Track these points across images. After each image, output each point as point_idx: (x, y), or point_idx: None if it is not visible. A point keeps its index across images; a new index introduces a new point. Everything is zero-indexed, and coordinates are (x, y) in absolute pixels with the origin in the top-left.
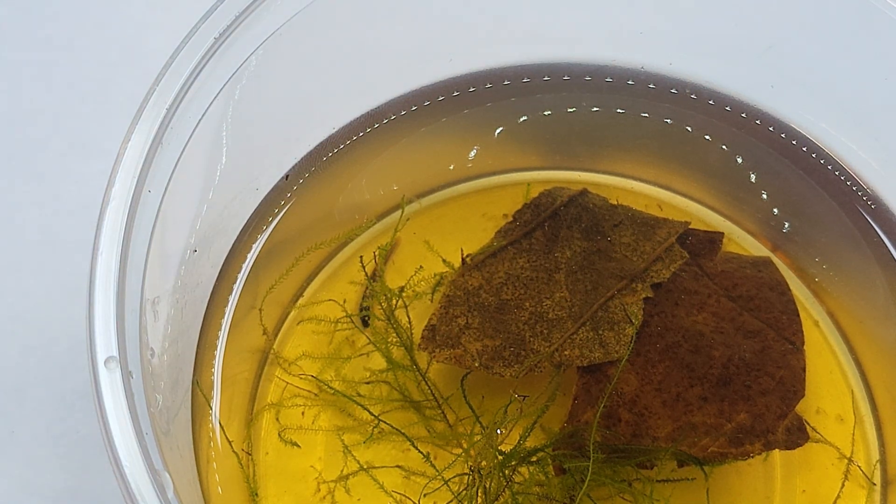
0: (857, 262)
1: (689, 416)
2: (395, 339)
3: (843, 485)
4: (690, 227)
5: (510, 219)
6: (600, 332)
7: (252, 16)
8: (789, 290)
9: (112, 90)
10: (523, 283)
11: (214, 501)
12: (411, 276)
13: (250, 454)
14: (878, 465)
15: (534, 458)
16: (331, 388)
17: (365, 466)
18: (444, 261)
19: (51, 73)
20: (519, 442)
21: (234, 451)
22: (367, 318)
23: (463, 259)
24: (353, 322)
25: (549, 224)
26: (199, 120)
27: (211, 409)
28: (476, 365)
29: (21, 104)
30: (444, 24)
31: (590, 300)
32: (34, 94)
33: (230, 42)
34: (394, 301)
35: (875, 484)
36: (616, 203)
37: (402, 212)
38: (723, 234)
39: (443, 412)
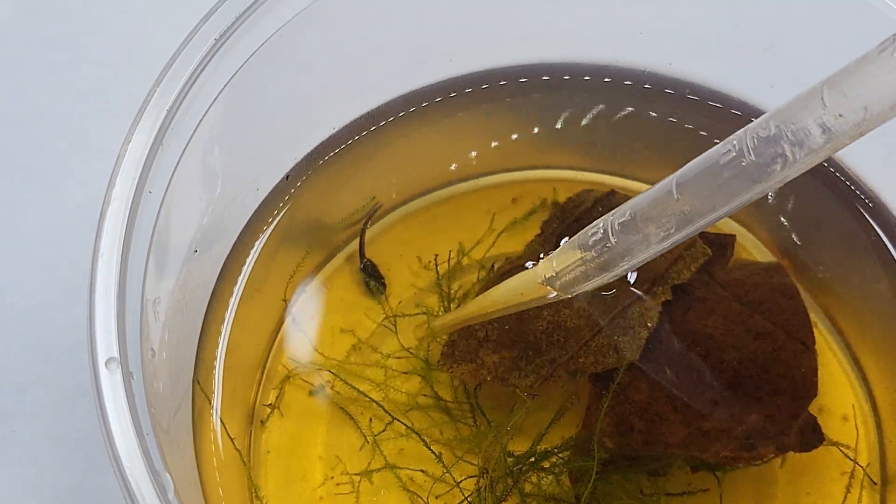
0: (856, 261)
1: (700, 421)
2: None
3: (848, 487)
4: (701, 232)
5: (538, 231)
6: (616, 337)
7: (253, 16)
8: (799, 294)
9: (113, 90)
10: None
11: (215, 501)
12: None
13: (264, 421)
14: (878, 463)
15: (546, 465)
16: (353, 386)
17: (367, 468)
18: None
19: (51, 73)
20: (532, 447)
21: (236, 448)
22: (371, 274)
23: (491, 268)
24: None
25: (573, 230)
26: (200, 120)
27: (212, 409)
28: (489, 378)
29: (21, 104)
30: (444, 24)
31: (609, 308)
32: (35, 93)
33: (231, 42)
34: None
35: (876, 483)
36: None
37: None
38: (734, 236)
39: (474, 418)
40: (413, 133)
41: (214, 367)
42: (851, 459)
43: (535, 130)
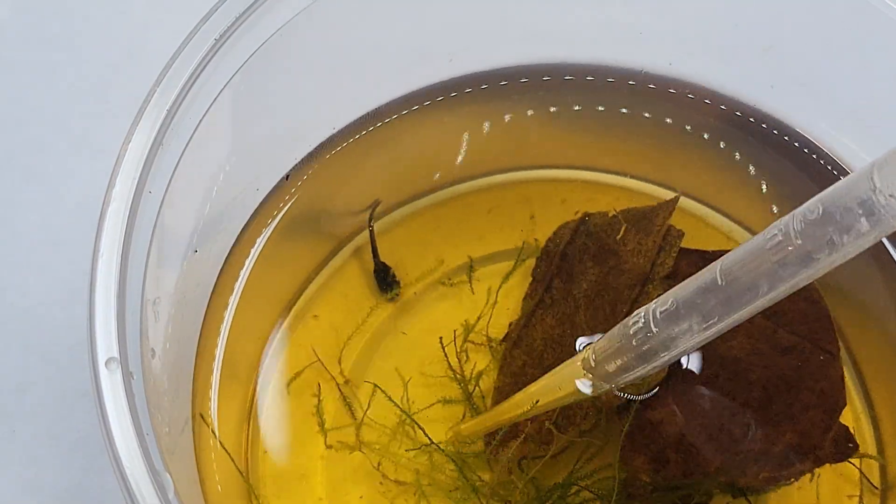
0: (854, 260)
1: (735, 446)
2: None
3: (861, 491)
4: (719, 250)
5: (530, 278)
6: None
7: (253, 16)
8: (821, 297)
9: (113, 90)
10: (557, 342)
11: (214, 501)
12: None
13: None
14: (877, 469)
15: (571, 492)
16: (396, 404)
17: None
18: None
19: (51, 73)
20: (568, 477)
21: (243, 463)
22: (385, 278)
23: (507, 334)
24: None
25: (563, 267)
26: (200, 120)
27: (211, 408)
28: (536, 446)
29: (21, 104)
30: (444, 24)
31: (611, 322)
32: (35, 93)
33: (231, 42)
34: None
35: (877, 488)
36: (615, 212)
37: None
38: None
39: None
40: (413, 133)
41: (214, 366)
42: (851, 464)
43: (535, 131)
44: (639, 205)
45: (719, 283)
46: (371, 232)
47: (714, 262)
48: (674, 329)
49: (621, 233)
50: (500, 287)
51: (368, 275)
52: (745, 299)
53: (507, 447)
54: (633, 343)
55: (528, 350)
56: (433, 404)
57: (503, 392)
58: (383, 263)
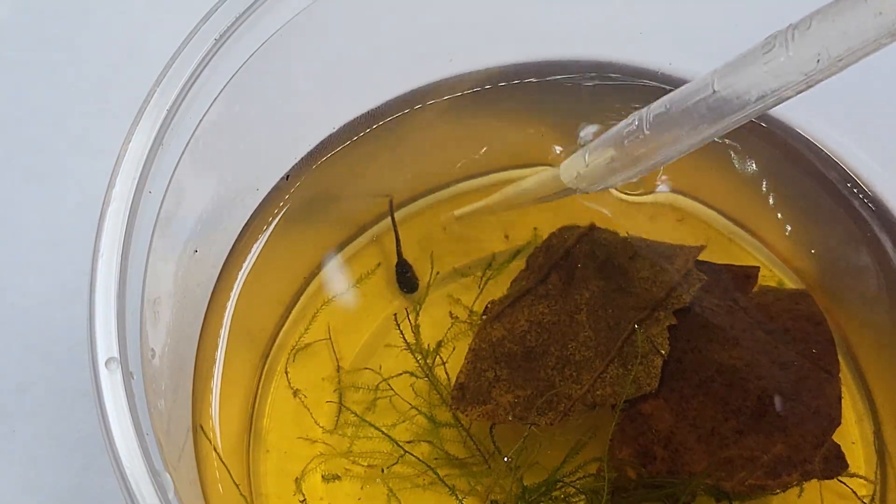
0: (855, 262)
1: (724, 450)
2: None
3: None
4: (726, 263)
5: (524, 266)
6: (629, 367)
7: (253, 16)
8: (826, 321)
9: (113, 90)
10: (546, 329)
11: (215, 501)
12: (448, 328)
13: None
14: (879, 486)
15: (560, 495)
16: (366, 421)
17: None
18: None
19: (52, 73)
20: (552, 474)
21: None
22: (407, 278)
23: (486, 308)
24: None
25: (563, 265)
26: (200, 120)
27: (211, 408)
28: (510, 418)
29: (21, 104)
30: (444, 24)
31: (614, 336)
32: (35, 93)
33: (231, 42)
34: (431, 359)
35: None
36: (627, 235)
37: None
38: (758, 268)
39: (488, 463)
40: (413, 133)
41: (214, 366)
42: (843, 482)
43: (535, 129)
44: (639, 206)
45: (711, 89)
46: (394, 227)
47: (709, 72)
48: (664, 132)
49: (633, 256)
50: (488, 278)
51: (371, 272)
52: (732, 106)
53: (474, 409)
54: (626, 145)
55: (510, 327)
56: (401, 374)
57: (478, 354)
58: (405, 260)
